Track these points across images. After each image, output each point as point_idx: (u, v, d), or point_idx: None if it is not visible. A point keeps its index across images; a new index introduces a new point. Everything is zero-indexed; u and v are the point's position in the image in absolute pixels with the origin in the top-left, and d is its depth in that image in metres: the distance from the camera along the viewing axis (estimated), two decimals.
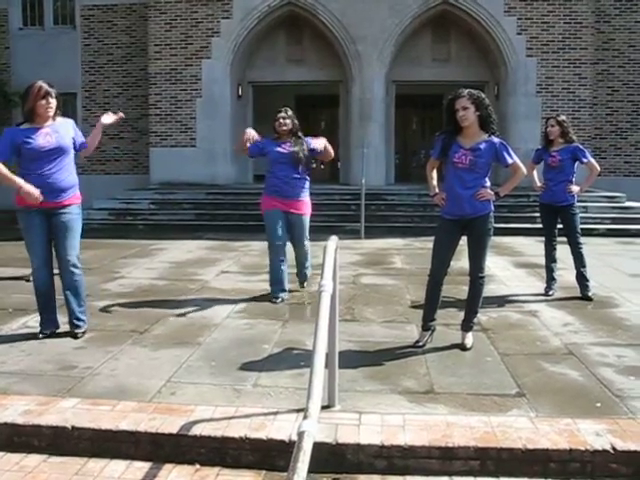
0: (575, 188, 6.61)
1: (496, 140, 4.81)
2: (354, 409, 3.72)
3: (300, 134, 6.54)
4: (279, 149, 6.41)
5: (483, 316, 5.78)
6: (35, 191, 4.82)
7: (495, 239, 10.81)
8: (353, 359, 4.57)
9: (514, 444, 3.29)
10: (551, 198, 6.71)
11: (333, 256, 3.52)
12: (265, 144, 6.53)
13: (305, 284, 6.97)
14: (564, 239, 6.76)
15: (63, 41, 16.40)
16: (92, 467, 3.34)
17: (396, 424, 3.51)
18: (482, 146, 4.77)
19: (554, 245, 6.84)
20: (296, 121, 6.53)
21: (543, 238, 6.97)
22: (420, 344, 4.92)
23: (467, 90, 4.74)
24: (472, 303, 4.98)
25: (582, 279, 6.67)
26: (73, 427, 3.51)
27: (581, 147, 6.71)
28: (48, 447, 3.50)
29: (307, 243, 6.72)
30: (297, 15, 15.09)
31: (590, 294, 6.59)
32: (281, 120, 6.45)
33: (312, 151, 6.51)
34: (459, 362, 4.61)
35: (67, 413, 3.64)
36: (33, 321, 5.41)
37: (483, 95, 4.79)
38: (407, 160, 18.91)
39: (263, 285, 7.00)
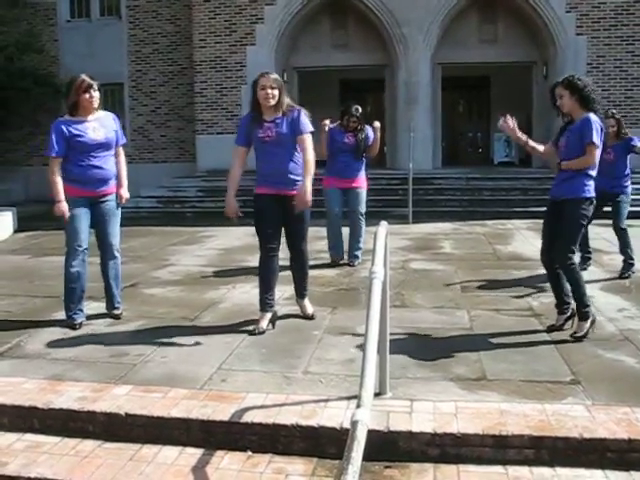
0: None
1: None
2: (406, 396, 3.68)
3: (362, 126, 7.53)
4: (345, 140, 7.46)
5: (534, 301, 5.70)
6: (66, 212, 5.02)
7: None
8: (403, 346, 4.53)
9: (570, 433, 3.22)
10: (607, 184, 6.74)
11: (384, 242, 3.46)
12: (333, 133, 7.48)
13: (356, 263, 7.38)
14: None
15: (109, 32, 16.57)
16: (146, 453, 3.39)
17: (448, 412, 3.47)
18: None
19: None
20: (360, 116, 7.53)
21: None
22: (554, 326, 4.89)
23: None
24: (571, 290, 4.83)
25: (625, 261, 6.81)
26: (126, 414, 3.56)
27: (633, 137, 6.93)
28: (103, 433, 3.56)
29: (362, 220, 7.51)
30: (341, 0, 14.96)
31: (627, 274, 6.69)
32: (351, 120, 7.45)
33: (368, 139, 7.54)
34: (511, 348, 4.52)
35: (120, 400, 3.70)
36: (85, 309, 5.45)
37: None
38: (454, 143, 18.65)
39: (311, 271, 6.98)
